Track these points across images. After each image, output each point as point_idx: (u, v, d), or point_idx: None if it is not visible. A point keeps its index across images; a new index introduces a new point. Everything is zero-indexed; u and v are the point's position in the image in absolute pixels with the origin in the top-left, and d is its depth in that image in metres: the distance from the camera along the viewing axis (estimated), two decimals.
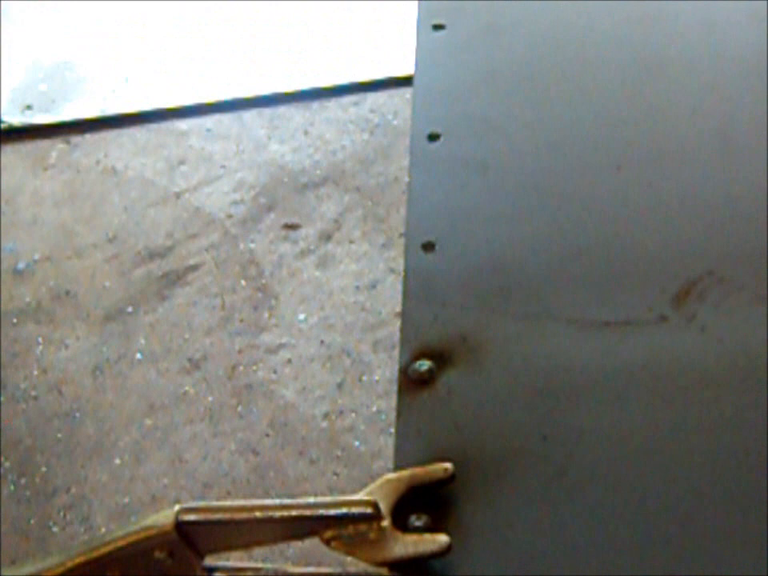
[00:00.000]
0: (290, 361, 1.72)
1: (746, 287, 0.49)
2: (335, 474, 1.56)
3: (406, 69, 2.19)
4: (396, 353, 0.56)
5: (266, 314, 1.80)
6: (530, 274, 0.51)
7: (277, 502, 0.44)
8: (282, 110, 2.34)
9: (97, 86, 2.43)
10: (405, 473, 0.44)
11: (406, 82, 2.13)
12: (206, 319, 1.79)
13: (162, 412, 1.65)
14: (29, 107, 2.36)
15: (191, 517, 0.45)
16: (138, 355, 1.75)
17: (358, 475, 1.53)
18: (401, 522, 0.42)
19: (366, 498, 0.42)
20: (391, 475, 0.44)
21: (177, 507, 0.45)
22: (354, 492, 0.44)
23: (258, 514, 0.44)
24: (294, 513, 0.43)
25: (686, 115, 0.61)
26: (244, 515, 0.44)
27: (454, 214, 0.55)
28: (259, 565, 0.53)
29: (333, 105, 2.34)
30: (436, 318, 0.49)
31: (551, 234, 0.54)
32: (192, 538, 0.45)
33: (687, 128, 0.60)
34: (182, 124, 2.32)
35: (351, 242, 1.95)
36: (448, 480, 0.44)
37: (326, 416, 1.64)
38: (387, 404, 1.61)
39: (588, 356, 0.47)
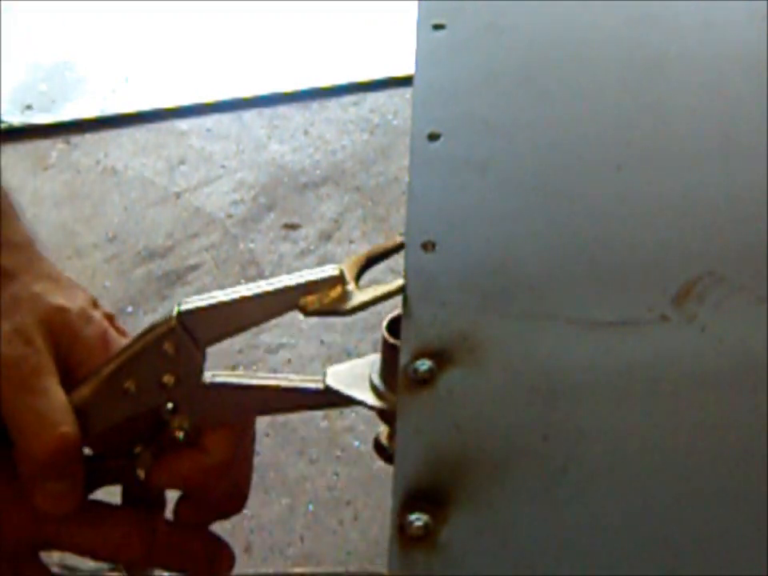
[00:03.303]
0: (289, 361, 1.73)
1: (746, 287, 0.49)
2: (335, 473, 1.56)
3: (405, 69, 2.19)
4: None
5: None
6: (530, 273, 0.51)
7: (261, 282, 0.51)
8: (282, 109, 2.34)
9: (97, 85, 2.43)
10: (361, 254, 0.53)
11: (406, 81, 2.13)
12: None
13: None
14: (29, 107, 2.36)
15: (190, 306, 0.51)
16: None
17: (358, 475, 1.53)
18: (401, 522, 0.42)
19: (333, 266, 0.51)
20: (349, 258, 0.52)
21: (176, 306, 0.51)
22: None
23: (245, 293, 0.50)
24: (276, 286, 0.50)
25: (686, 115, 0.61)
26: (234, 296, 0.51)
27: (454, 213, 0.55)
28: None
29: (333, 105, 2.34)
30: (436, 318, 0.49)
31: (551, 234, 0.54)
32: (192, 329, 0.51)
33: (687, 128, 0.60)
34: (182, 124, 2.32)
35: (351, 241, 1.95)
36: (399, 248, 0.53)
37: (326, 416, 1.64)
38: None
39: (588, 356, 0.47)
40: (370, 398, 0.50)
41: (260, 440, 1.66)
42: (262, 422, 1.62)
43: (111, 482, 0.55)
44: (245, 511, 0.56)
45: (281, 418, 1.61)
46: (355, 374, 0.52)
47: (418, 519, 0.41)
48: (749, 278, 0.50)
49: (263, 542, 1.48)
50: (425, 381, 0.46)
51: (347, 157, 2.19)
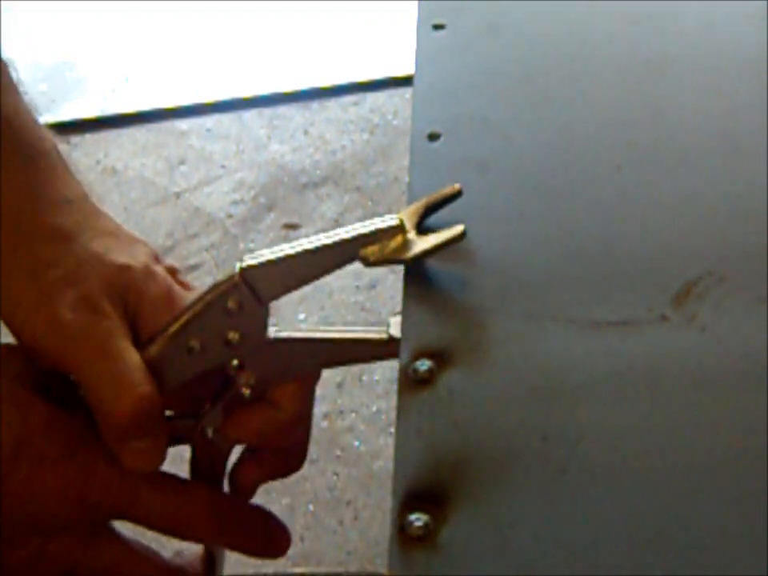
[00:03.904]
0: None
1: (746, 287, 0.49)
2: (335, 473, 1.56)
3: (406, 69, 2.19)
4: None
5: None
6: (530, 273, 0.51)
7: (320, 235, 0.51)
8: (282, 109, 2.34)
9: (97, 85, 2.43)
10: (419, 201, 0.53)
11: (406, 81, 2.13)
12: None
13: None
14: None
15: (252, 262, 0.51)
16: None
17: (358, 475, 1.53)
18: (401, 522, 0.42)
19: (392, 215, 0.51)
20: (407, 207, 0.52)
21: (238, 263, 0.51)
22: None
23: (306, 246, 0.50)
24: (336, 239, 0.50)
25: (686, 115, 0.61)
26: (295, 250, 0.50)
27: (454, 213, 0.55)
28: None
29: (333, 105, 2.34)
30: (436, 318, 0.49)
31: (551, 234, 0.54)
32: (254, 285, 0.51)
33: (688, 128, 0.60)
34: (182, 124, 2.32)
35: None
36: (457, 195, 0.53)
37: (326, 416, 1.64)
38: (387, 404, 1.61)
39: (588, 356, 0.47)
40: None
41: None
42: None
43: (181, 441, 0.55)
44: None
45: None
46: None
47: (418, 519, 0.41)
48: (749, 277, 0.50)
49: None
50: (425, 381, 0.46)
51: (347, 157, 2.19)
